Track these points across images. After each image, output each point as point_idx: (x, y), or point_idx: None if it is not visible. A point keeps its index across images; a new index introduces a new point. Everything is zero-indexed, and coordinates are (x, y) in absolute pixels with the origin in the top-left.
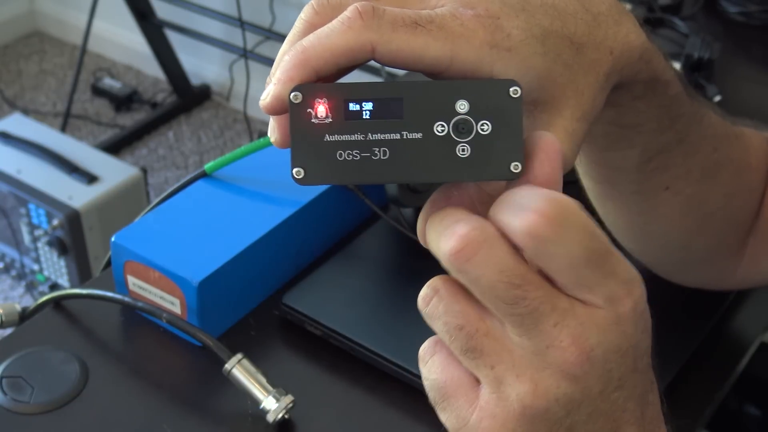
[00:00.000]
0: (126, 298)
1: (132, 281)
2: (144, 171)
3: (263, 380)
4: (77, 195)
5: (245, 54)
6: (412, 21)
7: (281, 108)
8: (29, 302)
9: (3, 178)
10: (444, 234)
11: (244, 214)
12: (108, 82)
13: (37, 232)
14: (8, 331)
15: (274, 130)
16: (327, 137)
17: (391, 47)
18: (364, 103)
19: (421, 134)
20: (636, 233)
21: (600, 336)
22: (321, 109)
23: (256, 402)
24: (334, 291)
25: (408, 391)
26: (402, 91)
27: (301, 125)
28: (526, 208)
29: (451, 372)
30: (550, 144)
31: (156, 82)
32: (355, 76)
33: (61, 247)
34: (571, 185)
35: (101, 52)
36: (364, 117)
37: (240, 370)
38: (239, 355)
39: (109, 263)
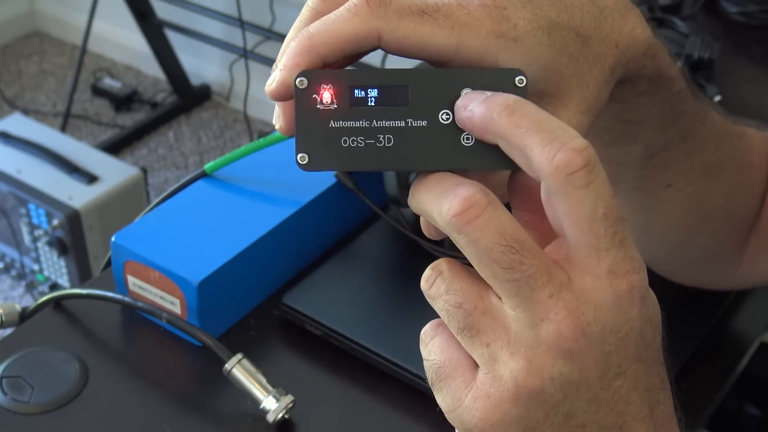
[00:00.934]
0: (126, 298)
1: (132, 281)
2: (144, 171)
3: (263, 380)
4: (77, 195)
5: (245, 54)
6: (418, 9)
7: (286, 94)
8: (29, 302)
9: (3, 178)
10: (445, 195)
11: (244, 214)
12: (108, 82)
13: (37, 232)
14: (8, 331)
15: (279, 117)
16: (332, 123)
17: (398, 35)
18: (369, 90)
19: (425, 122)
20: (637, 231)
21: (597, 312)
22: (326, 95)
23: (256, 402)
24: (334, 291)
25: (408, 391)
26: (407, 79)
27: (306, 111)
28: (563, 142)
29: (450, 353)
30: None
31: (156, 82)
32: None
33: (61, 247)
34: None
35: (101, 52)
36: (369, 104)
37: (240, 370)
38: (239, 355)
39: (109, 263)
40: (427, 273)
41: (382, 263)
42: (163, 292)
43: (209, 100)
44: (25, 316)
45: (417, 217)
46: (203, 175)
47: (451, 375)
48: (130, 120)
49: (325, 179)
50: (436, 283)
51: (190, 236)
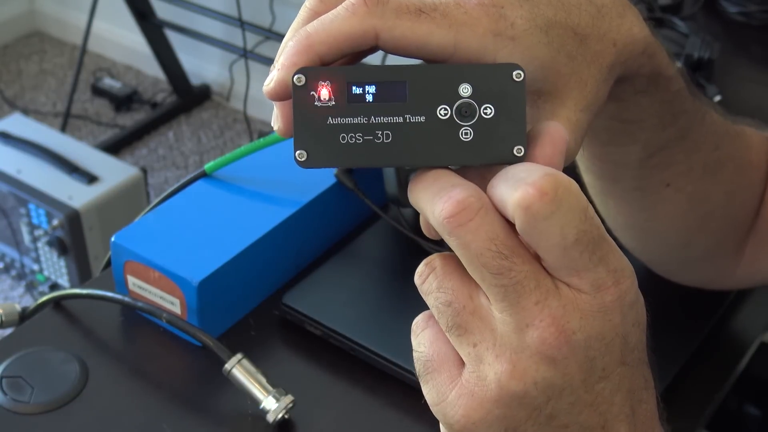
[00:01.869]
0: (126, 298)
1: (132, 281)
2: (144, 171)
3: (263, 380)
4: (77, 195)
5: (245, 54)
6: (416, 8)
7: (284, 93)
8: (29, 302)
9: (3, 178)
10: (440, 195)
11: (244, 214)
12: (108, 82)
13: (37, 232)
14: (8, 331)
15: (277, 118)
16: (330, 120)
17: (395, 34)
18: (367, 86)
19: (424, 118)
20: (636, 231)
21: (582, 321)
22: (324, 92)
23: (256, 402)
24: (334, 291)
25: (408, 391)
26: (405, 75)
27: (303, 108)
28: (523, 181)
29: (439, 347)
30: (557, 131)
31: (156, 82)
32: None
33: (61, 247)
34: None
35: (101, 52)
36: (367, 100)
37: (240, 370)
38: (239, 355)
39: (109, 263)
40: (421, 268)
41: (382, 263)
42: (163, 292)
43: (209, 100)
44: (25, 316)
45: (417, 217)
46: (203, 175)
47: (437, 369)
48: (130, 120)
49: (325, 179)
50: (428, 279)
51: (190, 236)
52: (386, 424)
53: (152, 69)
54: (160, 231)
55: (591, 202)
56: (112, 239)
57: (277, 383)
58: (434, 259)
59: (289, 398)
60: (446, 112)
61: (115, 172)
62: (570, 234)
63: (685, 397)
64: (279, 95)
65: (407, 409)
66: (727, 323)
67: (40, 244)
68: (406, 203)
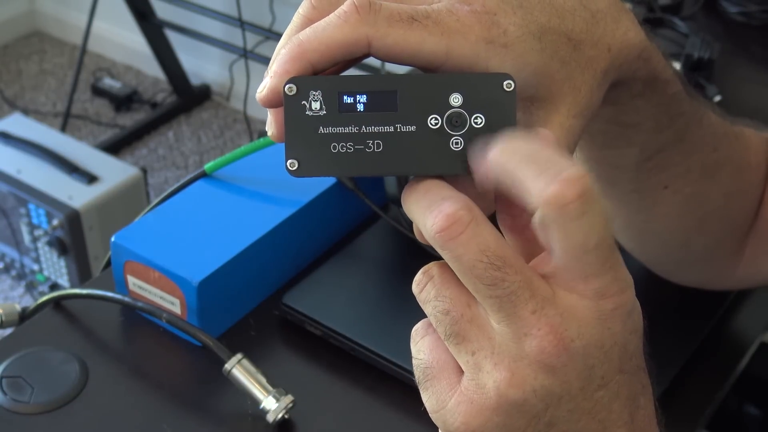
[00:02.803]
0: (126, 298)
1: (132, 281)
2: (144, 171)
3: (263, 380)
4: (77, 195)
5: (245, 54)
6: (408, 16)
7: (277, 101)
8: (29, 302)
9: (3, 178)
10: (430, 209)
11: (244, 214)
12: (108, 82)
13: (37, 232)
14: (8, 331)
15: (271, 124)
16: (321, 129)
17: (387, 41)
18: (358, 96)
19: (414, 127)
20: (635, 232)
21: (580, 329)
22: (315, 101)
23: (256, 402)
24: (334, 291)
25: (408, 391)
26: (396, 84)
27: (295, 117)
28: (556, 175)
29: (438, 355)
30: (547, 138)
31: (156, 82)
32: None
33: (61, 247)
34: None
35: (101, 52)
36: (358, 109)
37: (240, 370)
38: (239, 355)
39: (109, 263)
40: (419, 277)
41: (382, 263)
42: (163, 292)
43: (209, 100)
44: (25, 316)
45: None
46: (203, 175)
47: (437, 376)
48: (130, 120)
49: (325, 179)
50: (426, 287)
51: (190, 236)
52: (386, 424)
53: (152, 69)
54: (160, 231)
55: None
56: (112, 239)
57: (277, 383)
58: (432, 268)
59: (289, 398)
60: (437, 121)
61: (115, 172)
62: (593, 238)
63: (685, 397)
64: (272, 102)
65: (407, 409)
66: (727, 323)
67: (40, 244)
68: None
